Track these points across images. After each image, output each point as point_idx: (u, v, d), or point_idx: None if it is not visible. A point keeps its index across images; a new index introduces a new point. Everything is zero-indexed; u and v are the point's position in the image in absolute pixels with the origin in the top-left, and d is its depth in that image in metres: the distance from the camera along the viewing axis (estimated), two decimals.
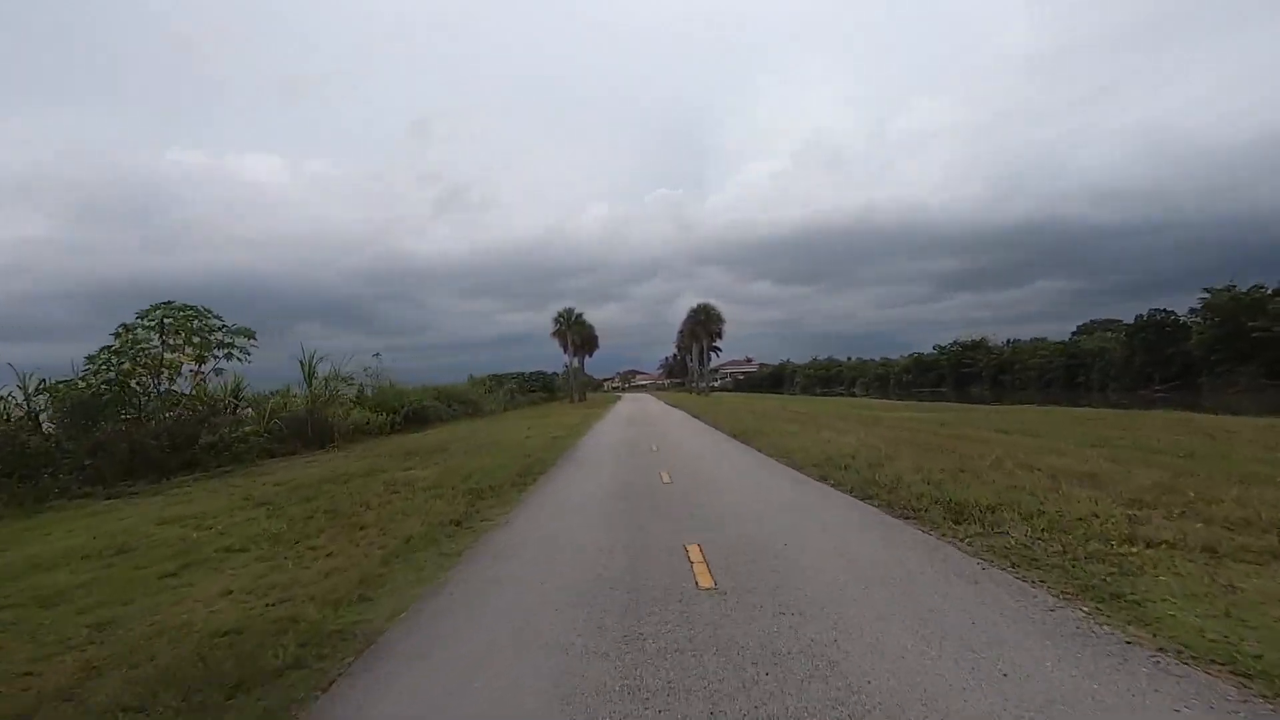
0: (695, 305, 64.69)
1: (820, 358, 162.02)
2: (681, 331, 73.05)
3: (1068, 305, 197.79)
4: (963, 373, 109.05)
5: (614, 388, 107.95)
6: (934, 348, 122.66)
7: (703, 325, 63.64)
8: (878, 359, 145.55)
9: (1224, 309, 66.36)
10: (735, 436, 19.98)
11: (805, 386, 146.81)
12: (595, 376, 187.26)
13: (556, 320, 64.83)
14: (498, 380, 65.39)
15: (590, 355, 74.84)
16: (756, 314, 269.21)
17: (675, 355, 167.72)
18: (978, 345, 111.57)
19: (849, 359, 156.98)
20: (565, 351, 65.46)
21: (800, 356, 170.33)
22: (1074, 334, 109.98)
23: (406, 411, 30.03)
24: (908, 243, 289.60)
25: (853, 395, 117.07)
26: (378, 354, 32.03)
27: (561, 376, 69.81)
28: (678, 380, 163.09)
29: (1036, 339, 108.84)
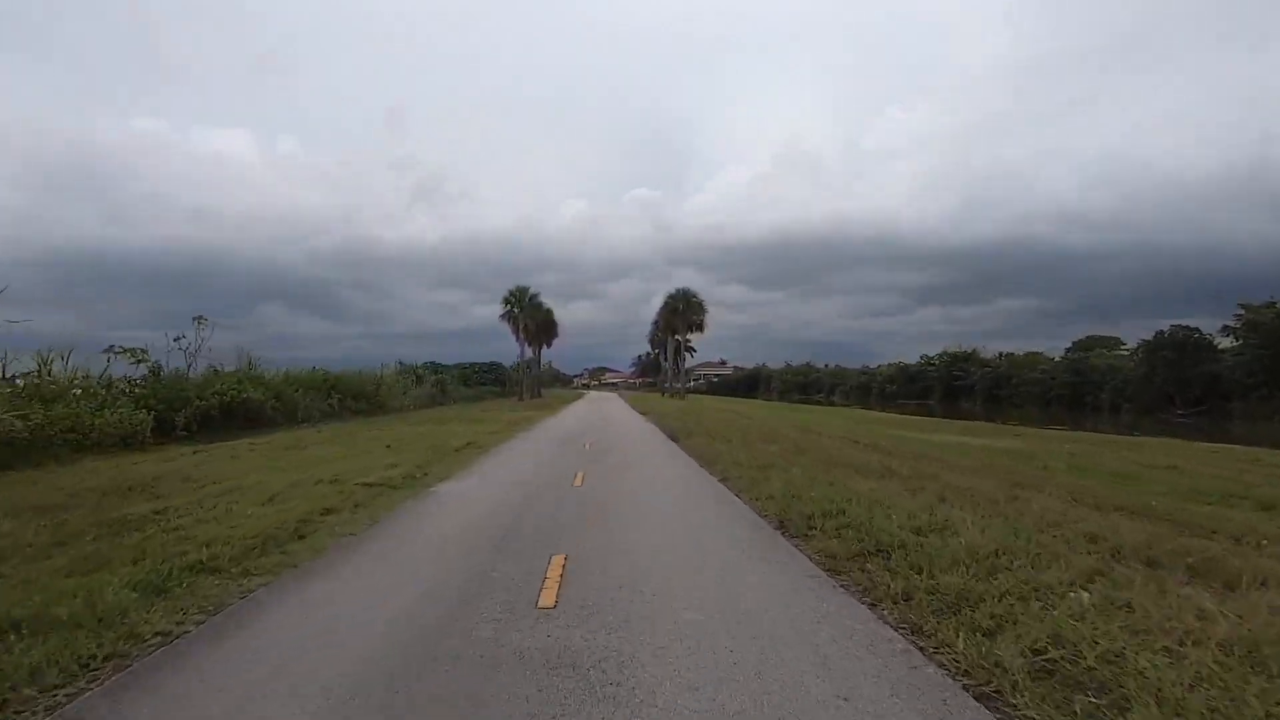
0: (673, 291, 54.05)
1: (793, 363, 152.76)
2: (656, 323, 61.97)
3: (1029, 324, 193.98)
4: (954, 385, 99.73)
5: (583, 385, 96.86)
6: (921, 357, 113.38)
7: (680, 316, 52.62)
8: (858, 367, 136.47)
9: (1268, 328, 57.11)
10: (782, 526, 8.43)
11: (782, 392, 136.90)
12: (564, 372, 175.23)
13: (506, 301, 53.19)
14: (433, 370, 53.63)
15: (549, 345, 63.28)
16: (728, 317, 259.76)
17: (649, 353, 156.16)
18: (970, 357, 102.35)
19: (825, 365, 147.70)
20: (517, 339, 53.83)
21: (769, 361, 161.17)
22: (1069, 350, 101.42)
23: (200, 411, 18.13)
24: (878, 254, 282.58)
25: (832, 403, 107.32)
26: (179, 337, 20.43)
27: (514, 369, 57.75)
28: (649, 380, 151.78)
29: (1031, 353, 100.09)
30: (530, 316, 53.77)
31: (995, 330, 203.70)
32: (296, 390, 25.75)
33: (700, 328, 53.33)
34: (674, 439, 18.38)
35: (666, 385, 65.11)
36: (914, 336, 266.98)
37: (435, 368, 56.26)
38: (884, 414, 53.19)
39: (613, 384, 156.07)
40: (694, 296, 53.22)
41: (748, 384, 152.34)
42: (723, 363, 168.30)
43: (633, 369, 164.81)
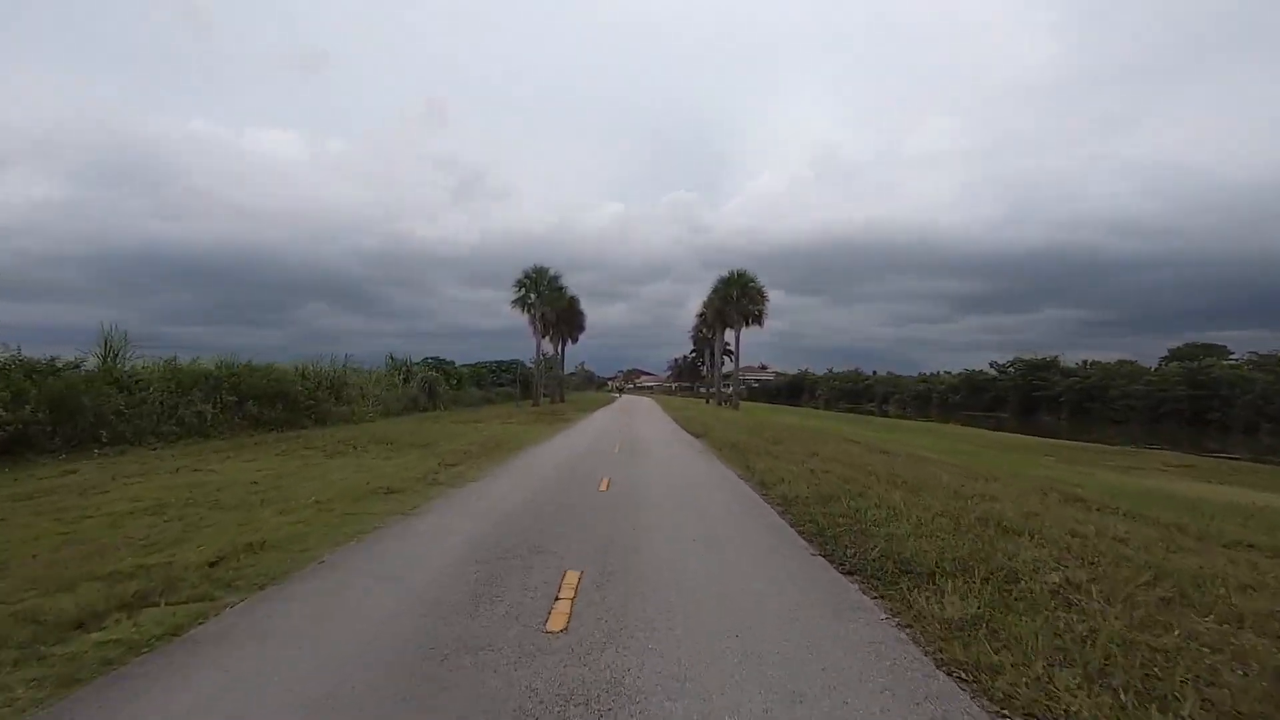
0: (725, 274, 42.66)
1: (833, 369, 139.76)
2: (701, 316, 50.79)
3: (1076, 335, 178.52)
4: (1032, 396, 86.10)
5: (616, 387, 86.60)
6: (990, 365, 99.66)
7: (734, 305, 41.53)
8: (913, 375, 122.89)
9: None
10: None
11: (828, 400, 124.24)
12: (598, 374, 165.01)
13: (519, 285, 42.69)
14: (434, 366, 43.50)
15: (573, 339, 52.68)
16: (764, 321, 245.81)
17: (685, 355, 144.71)
18: (1050, 365, 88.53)
19: (874, 373, 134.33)
20: (533, 331, 43.29)
21: (805, 368, 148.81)
22: (1164, 359, 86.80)
23: None
24: (917, 262, 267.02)
25: (885, 414, 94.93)
26: None
27: (537, 368, 47.13)
28: (686, 384, 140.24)
29: (1124, 361, 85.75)
30: (549, 304, 43.25)
31: (1039, 341, 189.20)
32: (147, 389, 15.56)
33: (759, 320, 42.27)
34: (814, 538, 7.00)
35: (712, 390, 54.01)
36: (955, 346, 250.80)
37: (438, 364, 46.15)
38: (980, 432, 41.00)
39: (648, 387, 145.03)
40: (751, 281, 41.99)
41: (790, 390, 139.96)
42: (763, 367, 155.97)
43: (668, 372, 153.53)
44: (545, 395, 48.06)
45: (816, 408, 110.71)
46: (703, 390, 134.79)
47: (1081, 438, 44.13)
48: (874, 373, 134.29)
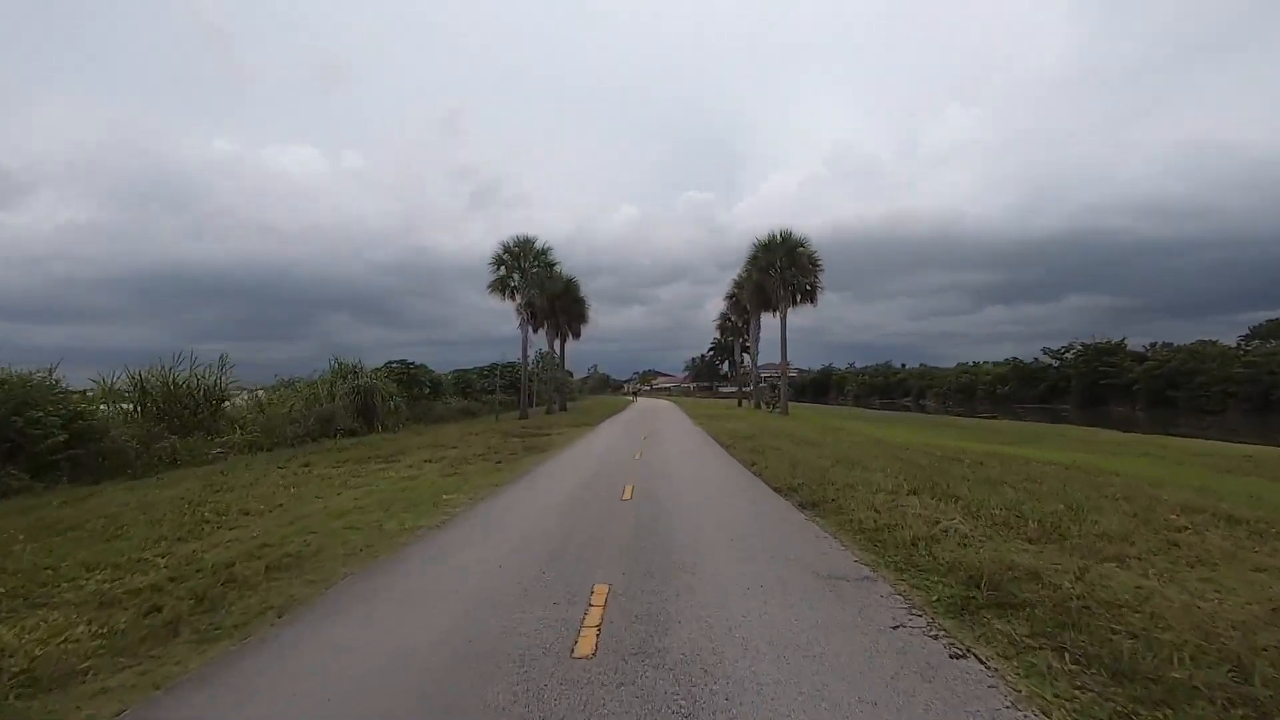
0: (765, 238, 31.99)
1: (856, 365, 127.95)
2: (732, 297, 40.07)
3: (1101, 323, 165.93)
4: (1099, 384, 74.10)
5: (632, 390, 76.41)
6: (1043, 350, 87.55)
7: (779, 275, 30.66)
8: (950, 367, 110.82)
9: None
10: None
11: (858, 396, 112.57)
12: (614, 377, 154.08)
13: (497, 262, 31.95)
14: (401, 370, 33.21)
15: (574, 334, 41.89)
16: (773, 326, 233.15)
17: (707, 353, 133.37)
18: (1117, 349, 76.40)
19: (903, 365, 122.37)
20: (519, 323, 32.66)
21: (829, 364, 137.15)
22: (1243, 338, 74.36)
23: None
24: (938, 255, 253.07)
25: (923, 409, 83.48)
26: None
27: (530, 370, 36.25)
28: (704, 384, 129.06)
29: (1203, 341, 73.39)
30: (537, 286, 32.57)
31: (1064, 331, 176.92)
32: None
33: (811, 296, 31.18)
34: None
35: (746, 389, 43.17)
36: (979, 338, 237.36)
37: (405, 368, 35.72)
38: (1089, 429, 29.61)
39: (665, 388, 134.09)
40: (801, 244, 31.15)
41: (815, 388, 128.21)
42: (773, 365, 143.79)
43: (686, 373, 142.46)
44: (539, 404, 37.42)
45: (844, 404, 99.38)
46: (725, 390, 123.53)
47: (1181, 429, 32.97)
48: (903, 365, 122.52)
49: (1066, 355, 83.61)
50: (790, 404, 44.13)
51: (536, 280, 32.49)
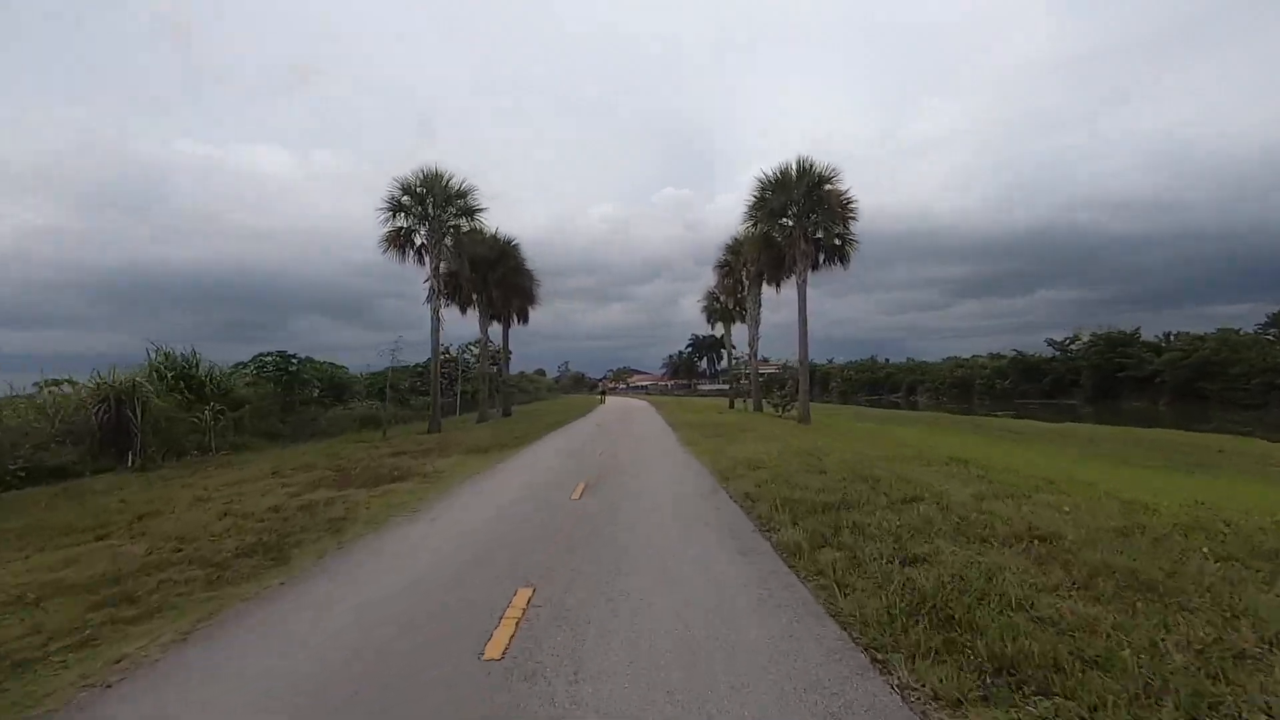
0: (776, 172, 22.67)
1: (833, 361, 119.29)
2: (723, 266, 30.11)
3: (1073, 316, 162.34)
4: (1117, 377, 65.95)
5: (602, 390, 66.66)
6: (1047, 341, 79.50)
7: (797, 221, 21.14)
8: (941, 360, 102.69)
9: None
10: None
11: (844, 393, 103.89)
12: (590, 375, 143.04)
13: (392, 208, 21.34)
14: (280, 367, 22.99)
15: (520, 317, 31.48)
16: (743, 332, 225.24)
17: (685, 349, 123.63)
18: (1132, 340, 68.39)
19: (886, 360, 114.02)
20: (427, 295, 22.21)
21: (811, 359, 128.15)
22: (1261, 326, 66.79)
23: None
24: (912, 249, 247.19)
25: (914, 406, 75.15)
26: None
27: (433, 368, 25.25)
28: (683, 382, 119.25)
29: (1226, 329, 65.62)
30: (456, 243, 22.22)
31: (1035, 324, 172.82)
32: None
33: (842, 254, 21.22)
34: None
35: (738, 385, 33.43)
36: (953, 332, 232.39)
37: (280, 363, 25.26)
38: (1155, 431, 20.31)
39: (641, 386, 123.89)
40: (829, 179, 20.51)
41: (782, 385, 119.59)
42: (764, 360, 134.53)
43: (663, 370, 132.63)
44: (447, 413, 27.19)
45: (833, 402, 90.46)
46: (704, 388, 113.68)
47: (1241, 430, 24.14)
48: (887, 360, 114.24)
49: (1072, 346, 75.68)
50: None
51: (443, 229, 22.10)
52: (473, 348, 25.82)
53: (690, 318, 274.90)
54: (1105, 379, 67.55)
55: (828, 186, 21.20)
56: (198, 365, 21.10)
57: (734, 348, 40.34)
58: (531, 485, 9.40)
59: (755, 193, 21.93)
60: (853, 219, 21.35)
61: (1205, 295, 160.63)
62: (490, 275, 26.56)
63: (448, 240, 22.72)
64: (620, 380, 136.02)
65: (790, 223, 21.51)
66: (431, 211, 22.18)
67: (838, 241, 21.77)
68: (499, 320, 31.17)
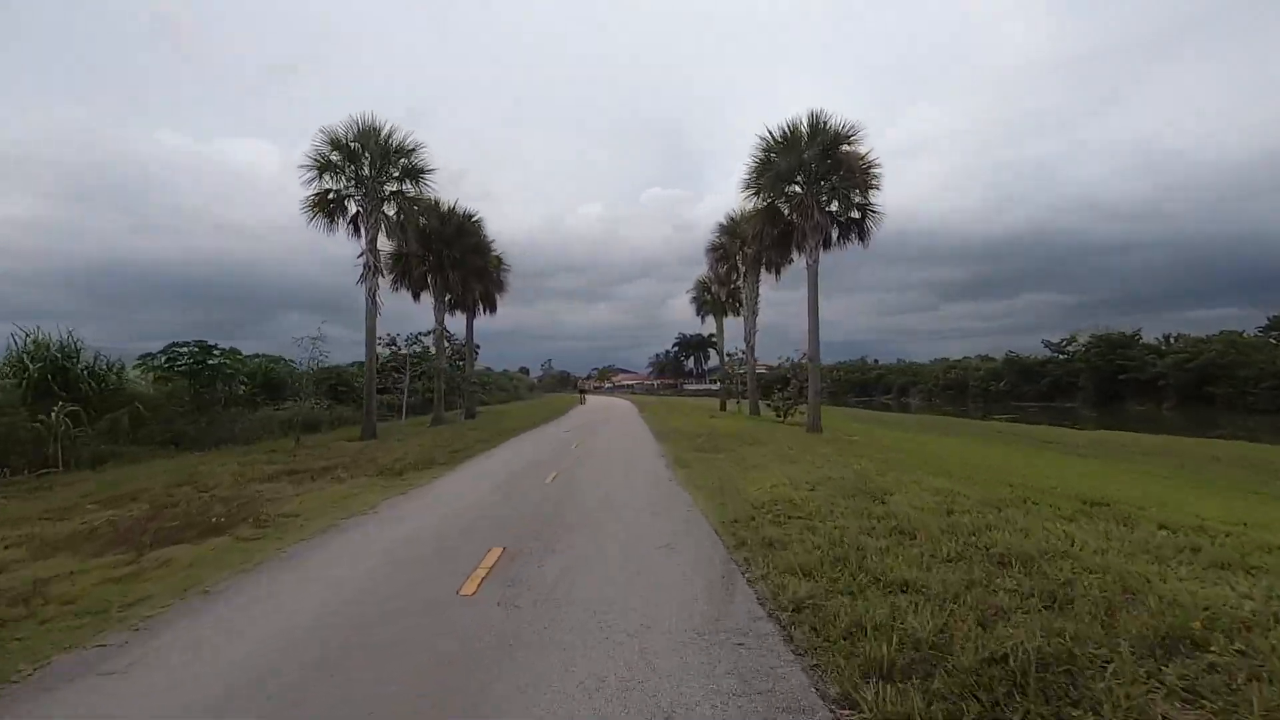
0: (786, 126, 18.36)
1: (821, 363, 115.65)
2: (716, 250, 26.06)
3: (1057, 319, 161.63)
4: (1117, 379, 63.04)
5: (583, 389, 62.57)
6: (1044, 343, 76.68)
7: (812, 185, 17.56)
8: (927, 361, 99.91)
9: None
10: None
11: (834, 394, 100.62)
12: (575, 374, 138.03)
13: (319, 165, 17.09)
14: (198, 360, 18.63)
15: (487, 307, 27.35)
16: (736, 325, 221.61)
17: (671, 348, 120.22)
18: (1132, 342, 65.59)
19: (876, 361, 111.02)
20: (362, 273, 18.13)
21: (796, 359, 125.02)
22: (1263, 329, 64.27)
23: None
24: (900, 251, 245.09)
25: (905, 408, 72.14)
26: None
27: (368, 367, 21.03)
28: (669, 382, 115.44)
29: (1228, 332, 62.98)
30: (387, 204, 18.16)
31: (1021, 326, 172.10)
32: None
33: (860, 229, 17.64)
34: None
35: (731, 384, 29.51)
36: (940, 334, 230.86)
37: (200, 351, 20.80)
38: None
39: (626, 385, 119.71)
40: (848, 136, 16.34)
41: (784, 384, 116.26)
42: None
43: (649, 369, 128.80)
44: (415, 412, 23.15)
45: (823, 404, 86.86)
46: (690, 388, 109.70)
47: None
48: (875, 361, 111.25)
49: (1069, 348, 72.83)
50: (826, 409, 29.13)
51: (397, 202, 18.01)
52: (423, 338, 21.71)
53: (677, 318, 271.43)
54: (1106, 382, 64.71)
55: (845, 147, 17.31)
56: (77, 356, 16.99)
57: (722, 347, 36.40)
58: (405, 559, 5.40)
59: (757, 154, 17.96)
60: (875, 187, 17.51)
61: (1181, 302, 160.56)
62: (446, 254, 22.42)
63: (389, 208, 18.59)
64: (606, 379, 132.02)
65: (800, 190, 17.60)
66: (368, 172, 18.01)
67: (856, 214, 17.92)
68: (461, 309, 27.03)
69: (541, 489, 8.53)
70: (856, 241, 18.22)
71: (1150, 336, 65.13)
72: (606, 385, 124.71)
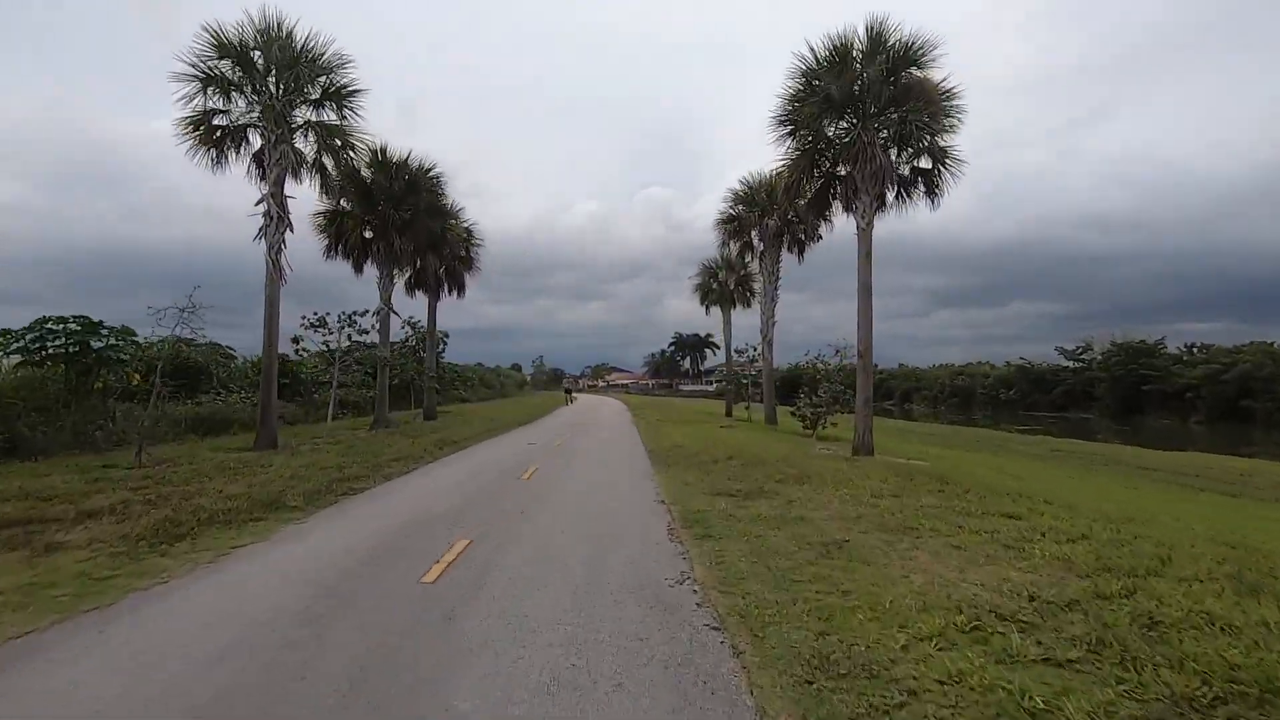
0: (834, 39, 12.11)
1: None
2: (730, 222, 21.13)
3: (1045, 328, 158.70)
4: (1142, 390, 58.60)
5: (571, 388, 57.56)
6: (1057, 349, 72.36)
7: (866, 119, 13.19)
8: (926, 366, 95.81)
9: None
10: None
11: (835, 396, 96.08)
12: (567, 371, 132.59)
13: (204, 78, 12.47)
14: (79, 332, 13.43)
15: (453, 288, 22.60)
16: (738, 320, 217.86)
17: (667, 348, 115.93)
18: (1153, 350, 61.25)
19: (877, 366, 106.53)
20: (261, 225, 13.42)
21: (783, 364, 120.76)
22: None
23: None
24: (894, 257, 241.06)
25: (908, 415, 67.91)
26: None
27: (265, 351, 16.33)
28: (664, 382, 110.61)
29: (1260, 342, 58.65)
30: (314, 142, 13.41)
31: (1009, 335, 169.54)
32: None
33: (934, 187, 13.50)
34: None
35: (746, 390, 24.71)
36: (929, 340, 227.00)
37: (81, 328, 15.71)
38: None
39: (621, 385, 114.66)
40: (916, 55, 11.60)
41: (786, 386, 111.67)
42: (750, 361, 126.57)
43: (644, 368, 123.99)
44: (387, 410, 18.48)
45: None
46: (686, 389, 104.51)
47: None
48: (876, 366, 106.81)
49: (1085, 355, 68.43)
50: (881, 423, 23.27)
51: (317, 135, 13.23)
52: (360, 318, 16.80)
53: (670, 318, 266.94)
54: (1127, 392, 60.28)
55: (915, 70, 12.57)
56: None
57: (729, 342, 31.54)
58: None
59: (793, 82, 13.14)
60: (954, 126, 12.76)
61: (1170, 313, 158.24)
62: (393, 215, 17.55)
63: (302, 143, 13.77)
64: (599, 378, 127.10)
65: (853, 124, 12.81)
66: (274, 90, 13.15)
67: (925, 163, 13.19)
68: (422, 289, 22.18)
69: (400, 621, 3.70)
70: (922, 199, 13.48)
71: (1195, 344, 60.42)
72: (600, 384, 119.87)
